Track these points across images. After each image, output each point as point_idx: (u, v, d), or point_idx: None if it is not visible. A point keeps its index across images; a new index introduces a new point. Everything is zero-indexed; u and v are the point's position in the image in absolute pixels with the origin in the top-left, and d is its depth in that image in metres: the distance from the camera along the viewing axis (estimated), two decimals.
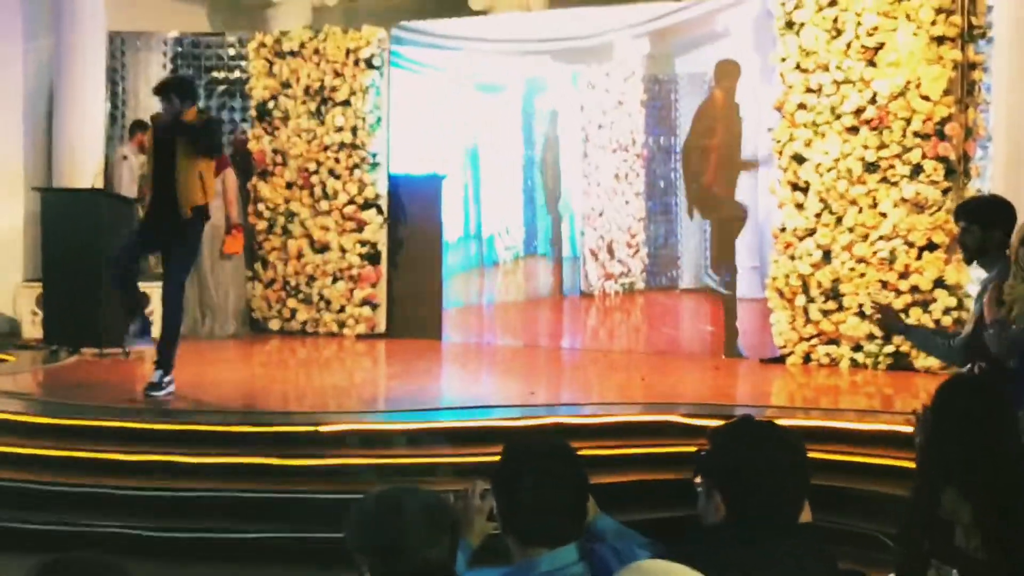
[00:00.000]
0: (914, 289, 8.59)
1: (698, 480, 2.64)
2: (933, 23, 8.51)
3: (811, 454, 2.66)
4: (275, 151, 11.23)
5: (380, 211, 10.99)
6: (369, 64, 10.95)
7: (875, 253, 8.73)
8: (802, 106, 9.01)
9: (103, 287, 9.15)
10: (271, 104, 11.27)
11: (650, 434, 6.88)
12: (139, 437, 6.84)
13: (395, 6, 11.96)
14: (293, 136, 11.16)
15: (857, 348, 8.86)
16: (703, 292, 9.80)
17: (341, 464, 6.54)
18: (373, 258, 10.99)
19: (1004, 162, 8.27)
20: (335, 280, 11.04)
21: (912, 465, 3.67)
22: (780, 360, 9.14)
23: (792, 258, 9.06)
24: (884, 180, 8.71)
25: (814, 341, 9.02)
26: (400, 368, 9.74)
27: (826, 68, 8.90)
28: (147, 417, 7.17)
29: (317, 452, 6.65)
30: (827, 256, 8.93)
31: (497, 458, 2.72)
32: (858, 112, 8.78)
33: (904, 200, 8.63)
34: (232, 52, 11.66)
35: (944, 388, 3.38)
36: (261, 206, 11.27)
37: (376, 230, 10.98)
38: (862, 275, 8.79)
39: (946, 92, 8.50)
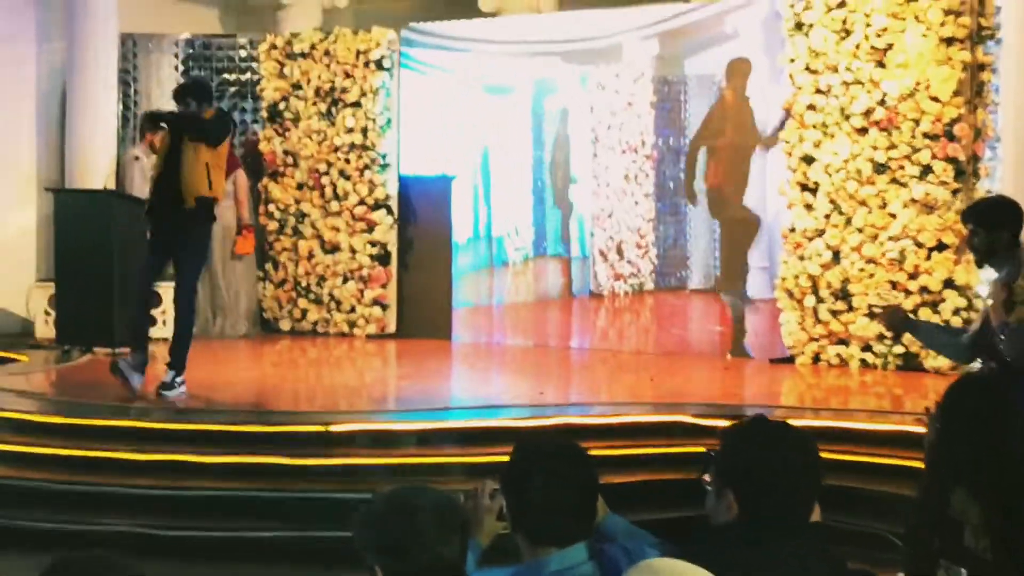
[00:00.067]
0: (923, 290, 8.58)
1: (707, 479, 2.65)
2: (942, 24, 8.51)
3: (822, 454, 2.65)
4: (286, 152, 11.26)
5: (390, 212, 11.01)
6: (379, 66, 10.97)
7: (884, 254, 8.73)
8: (811, 107, 9.01)
9: (115, 287, 9.22)
10: (282, 105, 11.29)
11: (659, 434, 6.90)
12: (150, 437, 6.88)
13: (405, 8, 11.99)
14: (304, 137, 11.19)
15: (867, 348, 8.85)
16: (712, 292, 9.81)
17: (351, 464, 6.56)
18: (383, 259, 11.00)
19: (1013, 162, 8.29)
20: (345, 280, 11.06)
21: (922, 465, 3.67)
22: (789, 360, 9.15)
23: (801, 258, 9.06)
24: (893, 181, 8.70)
25: (823, 341, 9.02)
26: (410, 368, 9.77)
27: (835, 69, 8.90)
28: (158, 417, 7.21)
29: (327, 452, 6.67)
30: (836, 257, 8.93)
31: (507, 458, 2.74)
32: (867, 113, 8.78)
33: (913, 201, 8.63)
34: (243, 54, 11.68)
35: (953, 388, 3.38)
36: (272, 207, 11.30)
37: (386, 231, 11.00)
38: (871, 275, 8.79)
39: (955, 93, 8.49)
